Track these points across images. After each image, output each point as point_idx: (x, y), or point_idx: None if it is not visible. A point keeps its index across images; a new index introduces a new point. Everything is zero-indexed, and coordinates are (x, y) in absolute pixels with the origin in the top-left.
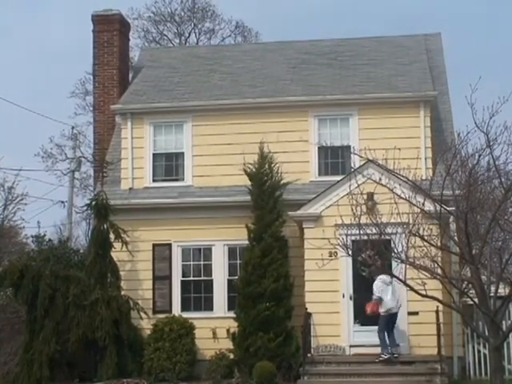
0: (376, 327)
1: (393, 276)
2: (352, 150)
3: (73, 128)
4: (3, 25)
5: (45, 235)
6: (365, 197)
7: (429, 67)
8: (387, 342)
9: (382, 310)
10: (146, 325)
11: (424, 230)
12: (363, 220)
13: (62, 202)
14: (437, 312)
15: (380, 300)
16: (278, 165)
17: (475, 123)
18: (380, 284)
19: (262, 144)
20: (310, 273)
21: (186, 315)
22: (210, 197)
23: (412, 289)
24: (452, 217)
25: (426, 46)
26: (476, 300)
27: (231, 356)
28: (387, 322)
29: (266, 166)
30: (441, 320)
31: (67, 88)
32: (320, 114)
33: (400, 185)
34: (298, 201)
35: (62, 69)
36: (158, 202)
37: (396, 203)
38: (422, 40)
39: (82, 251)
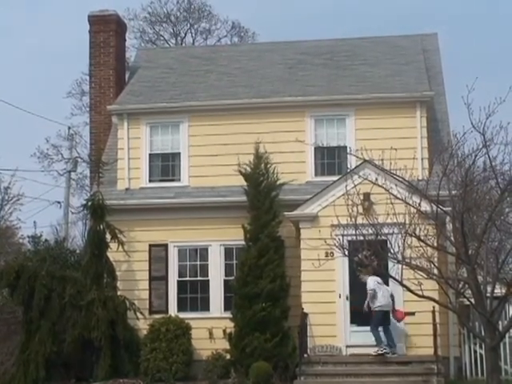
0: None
1: (389, 277)
2: (348, 150)
3: (69, 128)
4: (2, 25)
5: (41, 235)
6: (361, 197)
7: (425, 67)
8: (382, 338)
9: (374, 306)
10: (142, 325)
11: (420, 230)
12: (360, 220)
13: (59, 202)
14: (433, 312)
15: (374, 294)
16: (273, 165)
17: (471, 123)
18: (373, 282)
19: (257, 144)
20: (307, 273)
21: (182, 315)
22: (206, 197)
23: (408, 289)
24: (448, 217)
25: (423, 46)
26: (472, 300)
27: (228, 356)
28: (381, 319)
29: (262, 167)
30: (437, 320)
31: (64, 88)
32: (316, 114)
33: (396, 185)
34: (295, 201)
35: (59, 69)
36: (154, 203)
37: (392, 203)
38: (419, 40)
39: (78, 251)
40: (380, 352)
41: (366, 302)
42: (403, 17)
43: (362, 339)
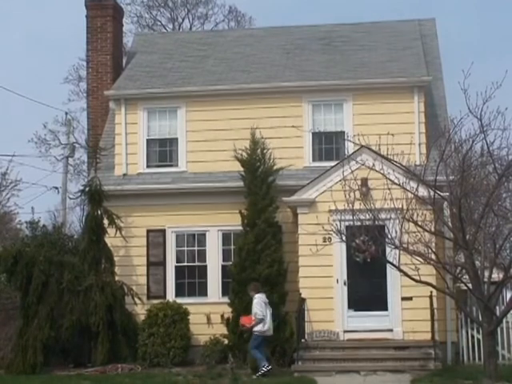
0: (369, 312)
1: (387, 262)
2: (346, 136)
3: (66, 114)
4: (1, 11)
5: (39, 221)
6: (358, 182)
7: (423, 52)
8: (262, 356)
9: (258, 329)
10: (140, 310)
11: (418, 215)
12: (357, 206)
13: (56, 187)
14: (430, 297)
15: (262, 320)
16: (270, 150)
17: (469, 109)
18: (261, 303)
19: (253, 130)
20: (304, 258)
21: (180, 301)
22: (203, 182)
23: (406, 274)
24: (446, 202)
25: (421, 31)
26: (470, 285)
27: (225, 341)
28: (261, 342)
29: (258, 152)
30: (434, 305)
31: (61, 74)
32: (314, 99)
33: (394, 170)
34: (292, 186)
35: (56, 55)
36: (151, 188)
37: (389, 189)
38: (417, 25)
39: (76, 237)
40: (265, 369)
41: (254, 323)
42: (401, 4)
43: (359, 324)
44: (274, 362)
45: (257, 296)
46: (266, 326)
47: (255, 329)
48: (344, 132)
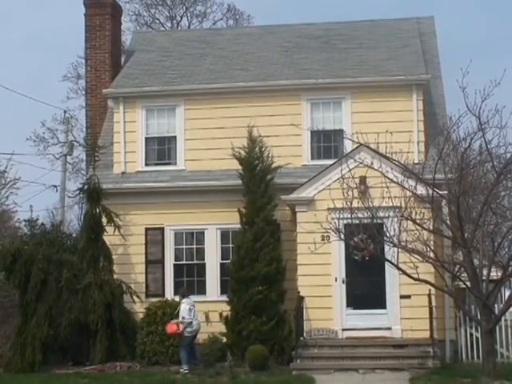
0: (368, 310)
1: (385, 260)
2: (344, 134)
3: (65, 112)
4: (0, 9)
5: (37, 219)
6: (357, 181)
7: (422, 51)
8: (186, 357)
9: (188, 330)
10: (138, 309)
11: (416, 213)
12: (355, 204)
13: (55, 186)
14: (429, 295)
15: (190, 324)
16: (268, 148)
17: (467, 107)
18: (188, 307)
19: (250, 128)
20: (303, 256)
21: (178, 299)
22: (202, 181)
23: (404, 272)
24: (444, 200)
25: (419, 29)
26: (468, 283)
27: (224, 339)
28: (191, 342)
29: (257, 150)
30: (433, 303)
31: (60, 72)
32: (312, 97)
33: (392, 169)
34: (291, 185)
35: (56, 53)
36: (150, 186)
37: (388, 187)
38: (415, 23)
39: (74, 235)
40: (184, 371)
41: (183, 327)
42: (400, 2)
43: (358, 322)
44: (272, 360)
45: (184, 301)
46: (193, 328)
47: (187, 331)
48: (342, 130)
